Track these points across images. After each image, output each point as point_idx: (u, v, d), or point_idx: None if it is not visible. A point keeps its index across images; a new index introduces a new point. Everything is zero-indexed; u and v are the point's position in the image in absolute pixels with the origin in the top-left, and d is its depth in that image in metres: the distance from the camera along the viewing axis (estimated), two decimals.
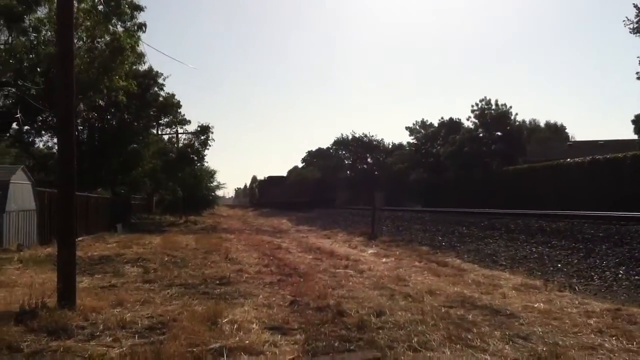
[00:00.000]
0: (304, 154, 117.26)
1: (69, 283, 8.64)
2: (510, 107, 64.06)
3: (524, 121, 69.63)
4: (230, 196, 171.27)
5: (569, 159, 42.03)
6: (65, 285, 8.55)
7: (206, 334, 7.10)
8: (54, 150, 37.07)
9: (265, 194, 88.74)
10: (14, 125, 29.70)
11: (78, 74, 19.90)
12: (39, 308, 7.92)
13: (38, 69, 24.96)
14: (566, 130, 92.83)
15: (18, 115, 25.68)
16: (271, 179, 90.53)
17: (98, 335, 7.13)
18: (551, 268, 13.58)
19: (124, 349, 6.52)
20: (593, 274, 12.46)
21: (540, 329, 7.66)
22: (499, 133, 62.67)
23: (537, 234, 17.72)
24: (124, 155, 36.78)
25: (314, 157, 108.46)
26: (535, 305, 9.31)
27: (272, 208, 71.54)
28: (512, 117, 64.08)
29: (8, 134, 31.19)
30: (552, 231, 17.61)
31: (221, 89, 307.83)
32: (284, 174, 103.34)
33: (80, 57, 23.15)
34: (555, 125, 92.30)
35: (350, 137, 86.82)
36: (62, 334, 7.09)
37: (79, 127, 33.11)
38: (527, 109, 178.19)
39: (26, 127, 33.18)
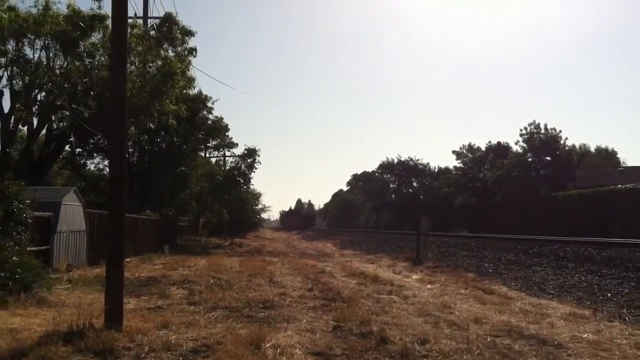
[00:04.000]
0: (349, 177, 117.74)
1: (117, 304, 8.78)
2: (560, 131, 63.28)
3: (573, 146, 68.44)
4: (275, 219, 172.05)
5: (620, 185, 41.11)
6: (113, 307, 8.68)
7: (249, 358, 7.15)
8: (105, 172, 37.89)
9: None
10: (67, 147, 30.44)
11: (130, 98, 20.34)
12: (86, 328, 8.04)
13: (91, 93, 25.57)
14: (617, 156, 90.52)
15: (72, 139, 26.31)
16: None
17: (144, 357, 7.24)
18: (601, 297, 13.26)
19: None
20: None
21: None
22: (548, 158, 61.81)
23: (586, 262, 17.34)
24: (172, 178, 37.31)
25: (359, 181, 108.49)
26: (584, 336, 9.13)
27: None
28: (562, 142, 63.18)
29: (61, 156, 31.96)
30: (602, 259, 17.21)
31: (268, 112, 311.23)
32: (329, 197, 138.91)
33: (132, 81, 23.68)
34: (606, 150, 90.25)
35: (395, 160, 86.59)
36: (108, 355, 7.22)
37: (130, 150, 33.75)
38: (577, 134, 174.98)
39: (78, 150, 34.03)
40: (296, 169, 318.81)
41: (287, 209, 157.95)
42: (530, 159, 63.60)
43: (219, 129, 45.72)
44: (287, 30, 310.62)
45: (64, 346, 7.33)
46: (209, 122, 43.28)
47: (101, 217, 21.61)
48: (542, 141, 62.92)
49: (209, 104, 41.71)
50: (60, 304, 11.22)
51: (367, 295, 13.78)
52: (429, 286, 16.26)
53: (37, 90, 24.71)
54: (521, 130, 65.56)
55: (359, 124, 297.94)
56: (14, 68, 23.80)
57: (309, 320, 10.17)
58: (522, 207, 54.59)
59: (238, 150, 52.52)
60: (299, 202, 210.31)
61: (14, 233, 13.28)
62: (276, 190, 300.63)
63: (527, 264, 19.19)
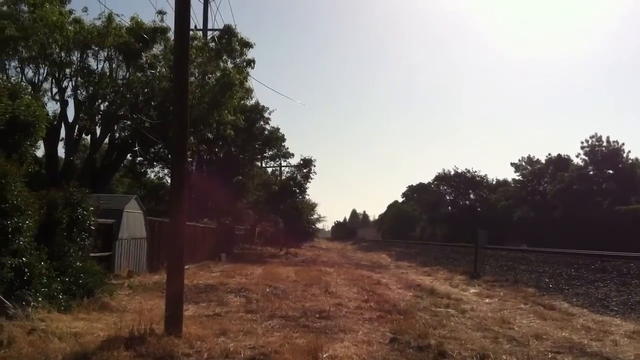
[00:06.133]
0: (404, 188, 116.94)
1: (177, 311, 8.92)
2: (623, 144, 61.75)
3: (637, 159, 66.54)
4: (329, 229, 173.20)
5: None
6: (173, 313, 8.83)
7: None
8: (165, 181, 38.72)
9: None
10: (128, 156, 31.16)
11: (190, 109, 20.76)
12: (147, 334, 8.20)
13: (152, 103, 26.12)
14: None
15: (137, 148, 26.96)
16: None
17: None
18: None
19: None
20: None
21: None
22: (611, 171, 60.32)
23: None
24: (229, 187, 37.84)
25: (414, 192, 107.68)
26: None
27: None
28: (625, 155, 61.57)
29: (122, 164, 32.75)
30: None
31: (325, 122, 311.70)
32: (384, 208, 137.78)
33: (192, 92, 24.11)
34: None
35: (452, 172, 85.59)
36: None
37: (189, 159, 34.35)
38: None
39: (139, 158, 34.83)
40: (352, 179, 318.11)
41: (341, 219, 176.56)
42: (591, 172, 62.21)
43: (275, 139, 46.15)
44: (343, 41, 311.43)
45: (125, 351, 7.49)
46: (266, 132, 43.78)
47: (161, 224, 22.04)
48: (604, 154, 61.52)
49: (266, 115, 42.24)
50: (121, 310, 11.46)
51: (424, 308, 13.65)
52: (487, 300, 16.01)
53: (100, 100, 25.38)
54: (582, 142, 64.31)
55: (415, 134, 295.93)
56: (79, 78, 24.53)
57: (366, 332, 10.13)
58: (583, 221, 53.30)
59: (294, 161, 52.95)
60: (353, 212, 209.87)
61: (78, 239, 13.62)
62: (332, 201, 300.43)
63: (589, 280, 18.68)
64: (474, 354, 8.35)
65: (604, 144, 62.49)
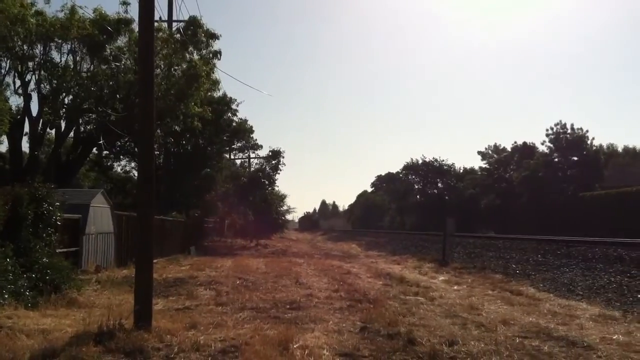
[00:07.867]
0: (373, 178, 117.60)
1: (146, 305, 8.86)
2: (587, 131, 62.64)
3: (601, 146, 67.60)
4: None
5: None
6: (142, 307, 8.77)
7: (278, 359, 7.17)
8: (132, 174, 38.35)
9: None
10: (94, 149, 30.79)
11: (156, 101, 20.49)
12: (116, 329, 8.13)
13: (118, 96, 25.83)
14: None
15: (101, 142, 26.65)
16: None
17: (173, 357, 7.30)
18: (631, 299, 13.09)
19: None
20: None
21: None
22: (575, 158, 61.22)
23: (615, 263, 17.09)
24: (198, 179, 37.60)
25: (383, 182, 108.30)
26: (614, 337, 9.04)
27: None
28: (589, 142, 62.51)
29: (88, 158, 32.34)
30: (632, 260, 16.94)
31: (293, 114, 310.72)
32: (354, 198, 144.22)
33: (158, 84, 23.83)
34: (633, 149, 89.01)
35: (420, 161, 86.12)
36: (138, 355, 7.30)
37: (156, 152, 33.96)
38: (604, 133, 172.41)
39: (105, 152, 34.42)
40: (321, 170, 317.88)
41: (311, 210, 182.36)
42: (556, 159, 63.08)
43: (243, 131, 46.00)
44: (311, 31, 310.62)
45: (94, 346, 7.42)
46: (234, 124, 43.58)
47: (129, 218, 21.83)
48: (568, 141, 62.38)
49: (234, 106, 42.03)
50: (89, 305, 11.34)
51: (393, 297, 13.76)
52: (455, 287, 16.20)
53: (64, 94, 25.03)
54: (547, 130, 65.11)
55: (383, 124, 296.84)
56: (42, 72, 24.14)
57: (336, 321, 10.17)
58: (548, 207, 54.08)
59: (263, 152, 52.88)
60: (323, 203, 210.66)
61: (44, 235, 13.45)
62: (301, 192, 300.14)
63: (555, 265, 18.99)
64: (443, 340, 8.45)
65: (569, 131, 63.35)
